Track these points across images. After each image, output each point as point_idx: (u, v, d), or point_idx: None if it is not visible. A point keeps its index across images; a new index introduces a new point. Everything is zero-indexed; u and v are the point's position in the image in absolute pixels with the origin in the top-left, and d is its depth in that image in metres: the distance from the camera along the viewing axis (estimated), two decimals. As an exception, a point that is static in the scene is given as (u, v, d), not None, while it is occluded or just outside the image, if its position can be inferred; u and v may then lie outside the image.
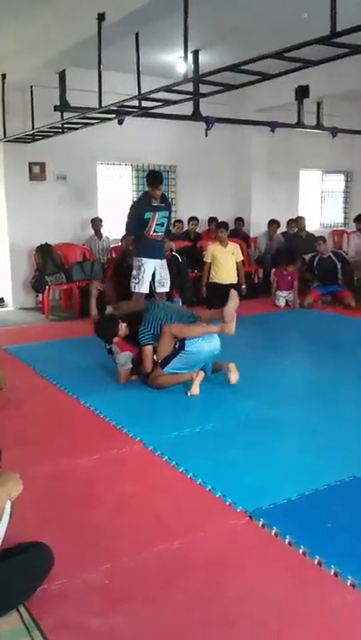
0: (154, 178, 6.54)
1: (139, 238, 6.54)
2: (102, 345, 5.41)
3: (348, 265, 9.37)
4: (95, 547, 2.77)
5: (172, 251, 7.83)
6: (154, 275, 6.63)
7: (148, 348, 5.08)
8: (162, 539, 2.82)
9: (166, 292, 6.84)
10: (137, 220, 6.46)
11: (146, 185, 6.89)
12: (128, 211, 6.82)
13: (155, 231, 6.40)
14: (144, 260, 6.46)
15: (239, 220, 10.89)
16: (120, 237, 9.04)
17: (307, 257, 9.44)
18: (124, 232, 7.90)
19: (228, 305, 4.89)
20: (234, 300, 4.88)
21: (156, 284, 6.57)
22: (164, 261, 6.69)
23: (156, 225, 6.39)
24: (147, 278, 6.45)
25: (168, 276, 6.60)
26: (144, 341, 5.07)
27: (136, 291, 6.54)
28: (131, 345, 5.24)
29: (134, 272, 6.54)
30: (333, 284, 9.12)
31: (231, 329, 4.87)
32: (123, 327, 5.21)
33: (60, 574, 2.51)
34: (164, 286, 6.61)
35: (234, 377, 5.07)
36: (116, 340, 5.25)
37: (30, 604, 2.35)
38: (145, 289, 6.50)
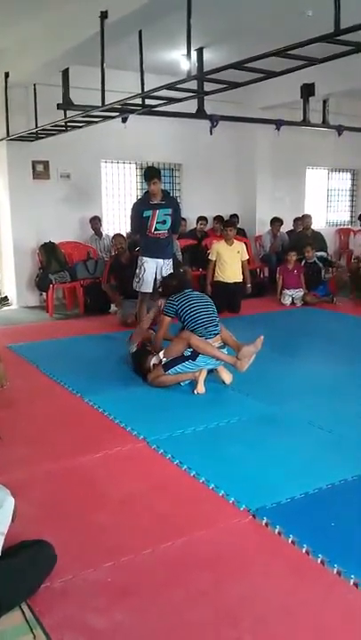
0: (147, 172, 6.50)
1: (141, 237, 6.51)
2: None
3: (332, 264, 9.87)
4: (98, 544, 2.77)
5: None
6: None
7: (167, 319, 5.25)
8: (165, 537, 2.82)
9: None
10: (137, 219, 6.43)
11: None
12: (130, 211, 6.80)
13: (156, 229, 6.35)
14: (145, 259, 6.43)
15: (233, 217, 10.86)
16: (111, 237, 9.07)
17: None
18: (119, 232, 7.88)
19: (249, 346, 4.83)
20: (257, 345, 4.82)
21: (157, 283, 6.51)
22: (169, 261, 6.60)
23: (157, 223, 6.32)
24: (148, 277, 6.40)
25: None
26: (166, 311, 5.23)
27: (138, 290, 6.51)
28: None
29: (137, 271, 6.52)
30: (318, 285, 9.28)
31: (243, 367, 4.84)
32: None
33: (63, 571, 2.51)
34: None
35: (227, 377, 5.07)
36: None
37: (33, 602, 2.35)
38: (147, 288, 6.46)
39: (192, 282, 7.95)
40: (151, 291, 6.51)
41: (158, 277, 6.44)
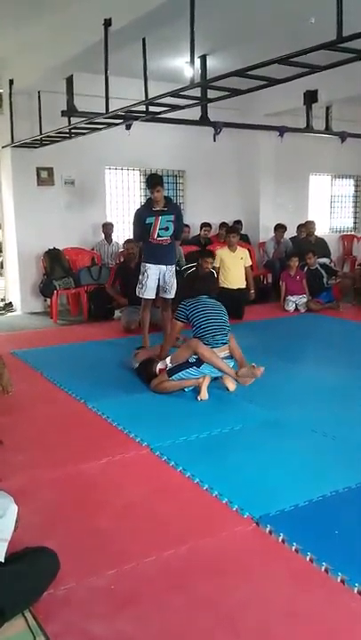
0: (150, 179, 6.51)
1: (144, 244, 6.52)
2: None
3: (335, 273, 9.93)
4: (101, 551, 2.77)
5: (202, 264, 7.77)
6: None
7: (178, 324, 5.30)
8: (168, 544, 2.81)
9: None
10: (140, 225, 6.44)
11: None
12: (133, 217, 6.81)
13: (159, 236, 6.34)
14: (148, 265, 6.42)
15: (237, 223, 10.86)
16: (122, 243, 9.09)
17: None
18: (130, 237, 7.93)
19: (248, 371, 4.81)
20: (256, 374, 4.77)
21: (160, 289, 6.54)
22: (172, 267, 6.63)
23: (160, 229, 6.31)
24: (150, 284, 6.39)
25: (174, 284, 6.54)
26: (177, 315, 5.28)
27: (141, 296, 6.52)
28: None
29: (140, 277, 6.51)
30: (321, 292, 9.30)
31: (246, 383, 4.86)
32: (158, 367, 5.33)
33: (66, 579, 2.51)
34: (167, 293, 6.49)
35: (231, 385, 5.07)
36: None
37: (36, 609, 2.35)
38: (150, 294, 6.46)
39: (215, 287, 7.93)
40: (154, 297, 6.51)
41: (161, 284, 6.44)
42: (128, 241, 8.42)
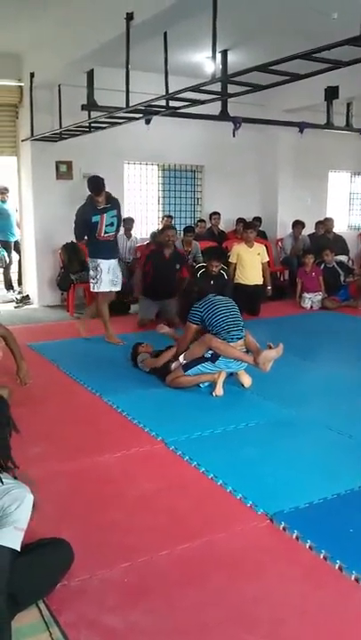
0: (96, 185, 6.62)
1: (91, 241, 6.68)
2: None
3: (351, 270, 9.82)
4: (115, 544, 2.78)
5: (216, 267, 7.52)
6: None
7: (193, 327, 5.21)
8: (182, 538, 2.82)
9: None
10: (84, 225, 6.62)
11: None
12: (75, 217, 6.88)
13: (105, 232, 6.59)
14: (99, 260, 6.65)
15: (256, 220, 10.80)
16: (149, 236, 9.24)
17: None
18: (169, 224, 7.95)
19: (267, 352, 4.80)
20: (278, 351, 4.81)
21: (110, 283, 6.79)
22: (116, 261, 6.86)
23: (106, 226, 6.56)
24: (105, 278, 6.66)
25: (120, 276, 6.86)
26: (191, 319, 5.20)
27: (96, 290, 6.76)
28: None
29: (92, 272, 6.75)
30: (338, 289, 9.25)
31: (267, 368, 4.83)
32: (144, 346, 5.71)
33: (79, 571, 2.53)
34: (116, 285, 6.81)
35: (247, 381, 5.07)
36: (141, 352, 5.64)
37: (50, 600, 2.37)
38: (105, 288, 6.71)
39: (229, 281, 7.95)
40: (108, 289, 6.77)
41: (111, 277, 6.71)
42: (168, 227, 8.18)
